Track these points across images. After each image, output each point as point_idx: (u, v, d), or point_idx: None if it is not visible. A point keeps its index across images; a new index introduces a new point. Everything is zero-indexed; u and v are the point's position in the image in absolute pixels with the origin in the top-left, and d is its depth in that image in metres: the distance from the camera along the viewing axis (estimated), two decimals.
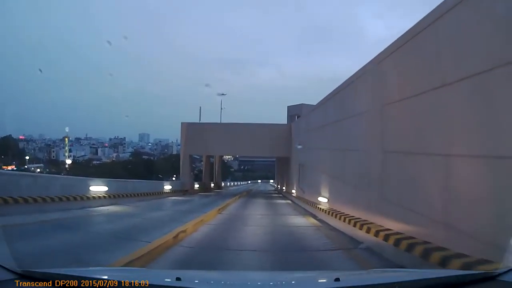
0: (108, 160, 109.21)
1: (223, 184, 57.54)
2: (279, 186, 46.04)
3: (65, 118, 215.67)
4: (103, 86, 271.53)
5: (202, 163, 47.22)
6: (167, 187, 29.19)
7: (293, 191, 27.42)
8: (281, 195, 35.36)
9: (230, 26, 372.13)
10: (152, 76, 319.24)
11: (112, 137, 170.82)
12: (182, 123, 34.87)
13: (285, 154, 32.05)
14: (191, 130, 34.25)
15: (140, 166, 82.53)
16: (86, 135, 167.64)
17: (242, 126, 33.84)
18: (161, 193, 27.40)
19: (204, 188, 41.59)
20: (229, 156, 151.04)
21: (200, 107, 39.95)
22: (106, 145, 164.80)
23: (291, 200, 24.49)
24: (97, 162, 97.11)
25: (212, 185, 47.86)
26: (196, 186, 39.12)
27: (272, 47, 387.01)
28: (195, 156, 44.07)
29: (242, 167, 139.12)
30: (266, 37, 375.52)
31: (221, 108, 43.75)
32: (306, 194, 21.32)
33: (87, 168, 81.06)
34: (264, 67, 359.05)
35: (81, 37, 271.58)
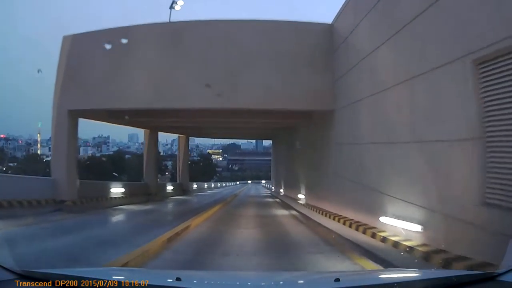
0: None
1: (195, 186, 35.82)
2: (281, 189, 24.49)
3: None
4: None
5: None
6: None
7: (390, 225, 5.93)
8: (295, 212, 14.23)
9: None
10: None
11: (96, 136, 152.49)
12: (64, 37, 13.27)
13: (316, 106, 10.38)
14: (83, 51, 12.66)
15: (106, 164, 63.36)
16: None
17: (209, 31, 11.21)
18: None
19: (145, 194, 20.18)
20: (218, 156, 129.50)
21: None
22: (89, 144, 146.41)
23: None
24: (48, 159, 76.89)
25: (170, 188, 26.31)
26: (118, 191, 17.56)
27: None
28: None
29: (230, 166, 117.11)
30: None
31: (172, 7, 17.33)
32: None
33: (36, 164, 61.52)
34: None
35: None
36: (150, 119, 15.92)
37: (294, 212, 14.41)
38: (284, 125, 18.01)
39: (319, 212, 10.78)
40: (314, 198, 12.64)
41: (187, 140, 29.93)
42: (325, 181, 10.92)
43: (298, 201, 15.20)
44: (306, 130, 14.35)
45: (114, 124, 18.18)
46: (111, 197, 16.56)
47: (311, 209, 12.07)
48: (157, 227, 9.60)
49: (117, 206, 16.03)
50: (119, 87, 11.82)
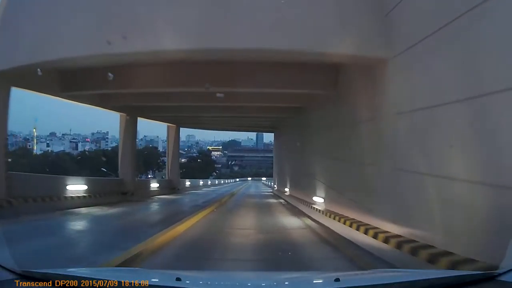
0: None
1: (187, 183, 31.64)
2: (286, 188, 20.39)
3: (60, 115, 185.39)
4: None
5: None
6: None
7: None
8: (311, 222, 10.24)
9: None
10: None
11: (95, 132, 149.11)
12: None
13: (355, 50, 6.08)
14: None
15: (98, 159, 60.30)
16: (70, 130, 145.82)
17: None
18: None
19: (120, 193, 16.21)
20: (218, 153, 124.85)
21: None
22: (88, 140, 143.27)
23: None
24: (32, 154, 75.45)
25: (156, 186, 22.15)
26: (78, 188, 13.43)
27: None
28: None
29: (230, 162, 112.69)
30: None
31: None
32: None
33: (23, 159, 58.83)
34: None
35: None
36: (111, 91, 11.67)
37: (309, 222, 10.24)
38: (295, 103, 13.66)
39: (358, 229, 6.63)
40: (340, 205, 8.49)
41: (178, 131, 25.75)
42: (370, 180, 6.72)
43: (313, 205, 11.07)
44: (328, 104, 10.14)
45: (77, 103, 13.98)
46: (66, 197, 12.44)
47: (338, 220, 7.93)
48: (94, 253, 5.58)
49: (74, 208, 12.01)
50: (57, 32, 7.59)
